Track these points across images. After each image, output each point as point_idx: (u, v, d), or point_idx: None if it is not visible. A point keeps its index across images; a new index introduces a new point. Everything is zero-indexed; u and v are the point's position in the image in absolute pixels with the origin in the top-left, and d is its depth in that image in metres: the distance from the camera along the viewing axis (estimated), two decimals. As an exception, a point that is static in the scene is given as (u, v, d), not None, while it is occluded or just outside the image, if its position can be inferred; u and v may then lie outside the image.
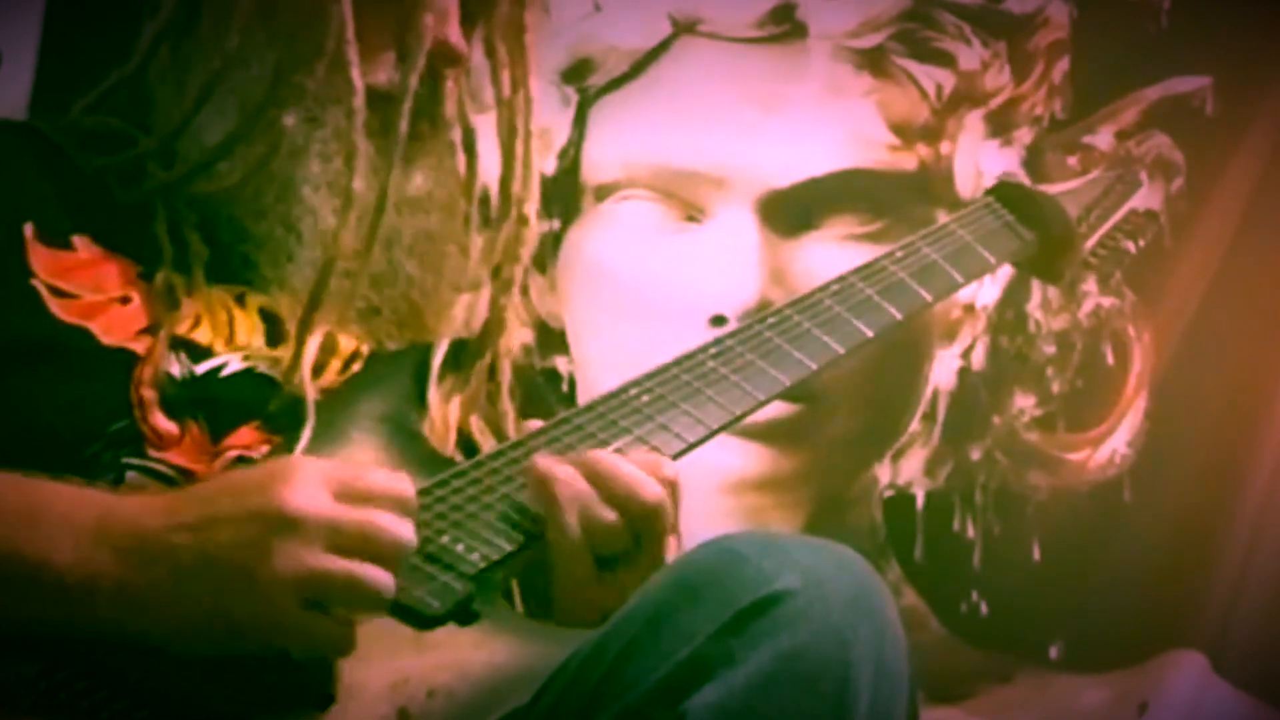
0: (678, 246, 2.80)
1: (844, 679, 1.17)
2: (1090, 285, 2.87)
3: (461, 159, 1.55)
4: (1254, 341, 2.90)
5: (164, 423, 1.39)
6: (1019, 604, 2.85)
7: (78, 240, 1.46)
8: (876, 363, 2.79)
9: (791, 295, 1.61)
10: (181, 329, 1.44)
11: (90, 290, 1.44)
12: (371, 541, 1.21)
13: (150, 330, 1.43)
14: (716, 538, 1.36)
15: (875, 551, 2.79)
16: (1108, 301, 2.88)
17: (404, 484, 1.26)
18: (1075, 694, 2.84)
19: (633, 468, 1.37)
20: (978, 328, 2.87)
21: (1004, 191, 1.82)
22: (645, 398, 1.46)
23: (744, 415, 1.49)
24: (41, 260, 1.44)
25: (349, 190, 1.46)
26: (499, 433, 1.55)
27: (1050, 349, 2.89)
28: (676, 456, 1.42)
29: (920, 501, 2.85)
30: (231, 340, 1.45)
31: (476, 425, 1.55)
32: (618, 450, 1.39)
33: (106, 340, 1.42)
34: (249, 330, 1.47)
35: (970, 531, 2.85)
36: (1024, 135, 2.91)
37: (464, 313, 1.55)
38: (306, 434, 1.40)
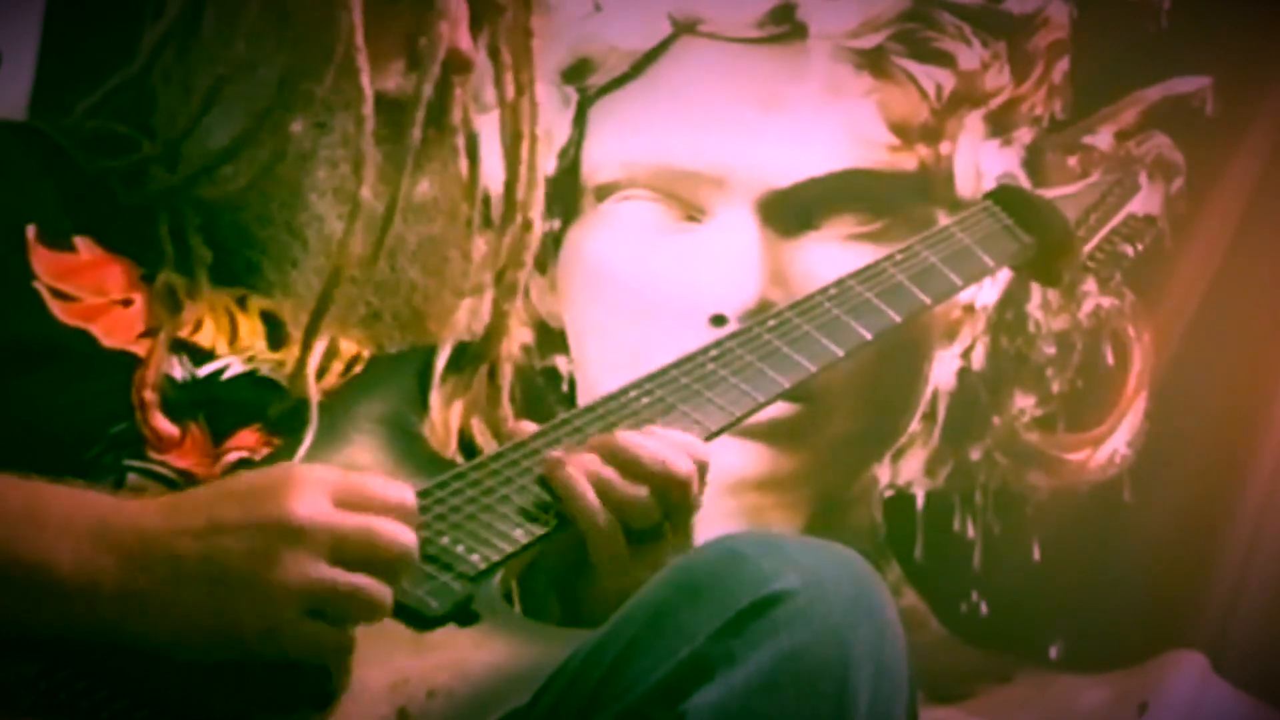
0: (678, 246, 2.80)
1: (844, 679, 1.17)
2: (1090, 286, 2.87)
3: (464, 163, 1.54)
4: (1254, 341, 2.90)
5: (165, 425, 1.39)
6: (1019, 604, 2.85)
7: (80, 242, 1.46)
8: (876, 363, 2.79)
9: (791, 295, 1.61)
10: (183, 332, 1.44)
11: (92, 293, 1.44)
12: (374, 550, 1.21)
13: (152, 333, 1.43)
14: (717, 538, 1.36)
15: (875, 551, 2.80)
16: (1108, 302, 2.88)
17: (406, 492, 1.26)
18: (1075, 694, 2.84)
19: (658, 443, 1.38)
20: (978, 328, 2.87)
21: (1003, 195, 1.82)
22: (645, 400, 1.46)
23: (744, 417, 1.49)
24: (43, 262, 1.44)
25: (357, 198, 1.46)
26: (499, 435, 1.55)
27: (1050, 349, 2.89)
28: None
29: (920, 501, 2.85)
30: (233, 343, 1.45)
31: (477, 427, 1.55)
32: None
33: (108, 343, 1.42)
34: (251, 333, 1.47)
35: (970, 531, 2.85)
36: (1024, 135, 2.91)
37: (466, 317, 1.55)
38: (309, 438, 1.40)
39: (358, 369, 1.49)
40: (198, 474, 1.38)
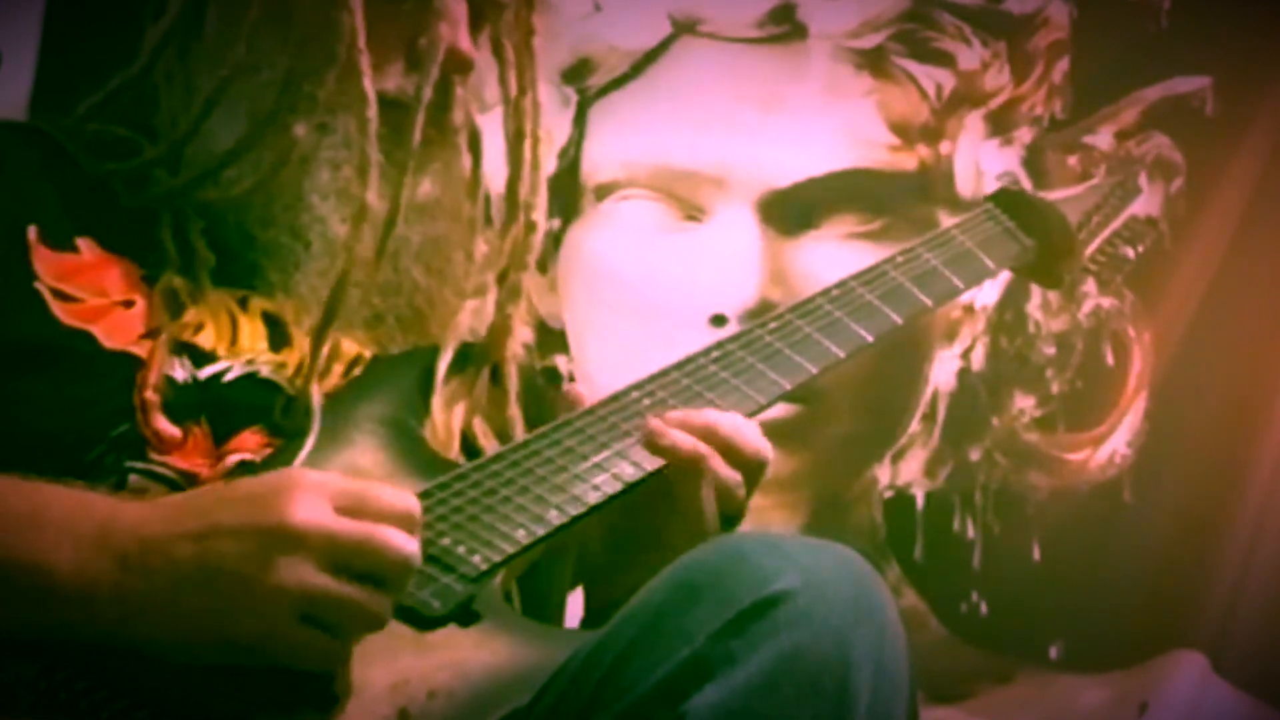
0: (678, 246, 2.81)
1: (844, 679, 1.17)
2: (1090, 286, 2.87)
3: (467, 162, 1.54)
4: (1254, 341, 2.90)
5: (166, 426, 1.39)
6: (1019, 604, 2.85)
7: (81, 243, 1.46)
8: (876, 364, 2.79)
9: (791, 294, 1.61)
10: (185, 333, 1.43)
11: (93, 294, 1.43)
12: (374, 559, 1.20)
13: (153, 334, 1.43)
14: (717, 538, 1.36)
15: (875, 551, 2.80)
16: (1107, 302, 2.88)
17: (410, 501, 1.24)
18: (1075, 694, 2.84)
19: (751, 429, 1.43)
20: (977, 328, 2.87)
21: (1004, 198, 1.82)
22: (647, 401, 1.46)
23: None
24: (45, 263, 1.43)
25: (362, 201, 1.46)
26: (504, 437, 1.55)
27: (1050, 350, 2.89)
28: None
29: (920, 502, 2.85)
30: (235, 344, 1.45)
31: (480, 428, 1.55)
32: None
33: (109, 344, 1.41)
34: (252, 334, 1.46)
35: (970, 531, 2.85)
36: (1024, 135, 2.91)
37: (469, 318, 1.55)
38: (311, 441, 1.39)
39: (358, 370, 1.48)
40: (199, 475, 1.38)
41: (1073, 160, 2.88)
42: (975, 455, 2.86)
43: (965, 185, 2.86)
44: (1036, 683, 2.85)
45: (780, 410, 2.70)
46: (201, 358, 1.43)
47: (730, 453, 1.41)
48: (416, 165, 1.49)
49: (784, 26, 2.85)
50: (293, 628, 1.19)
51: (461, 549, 1.30)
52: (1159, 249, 2.81)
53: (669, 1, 2.84)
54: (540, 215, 1.59)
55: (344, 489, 1.23)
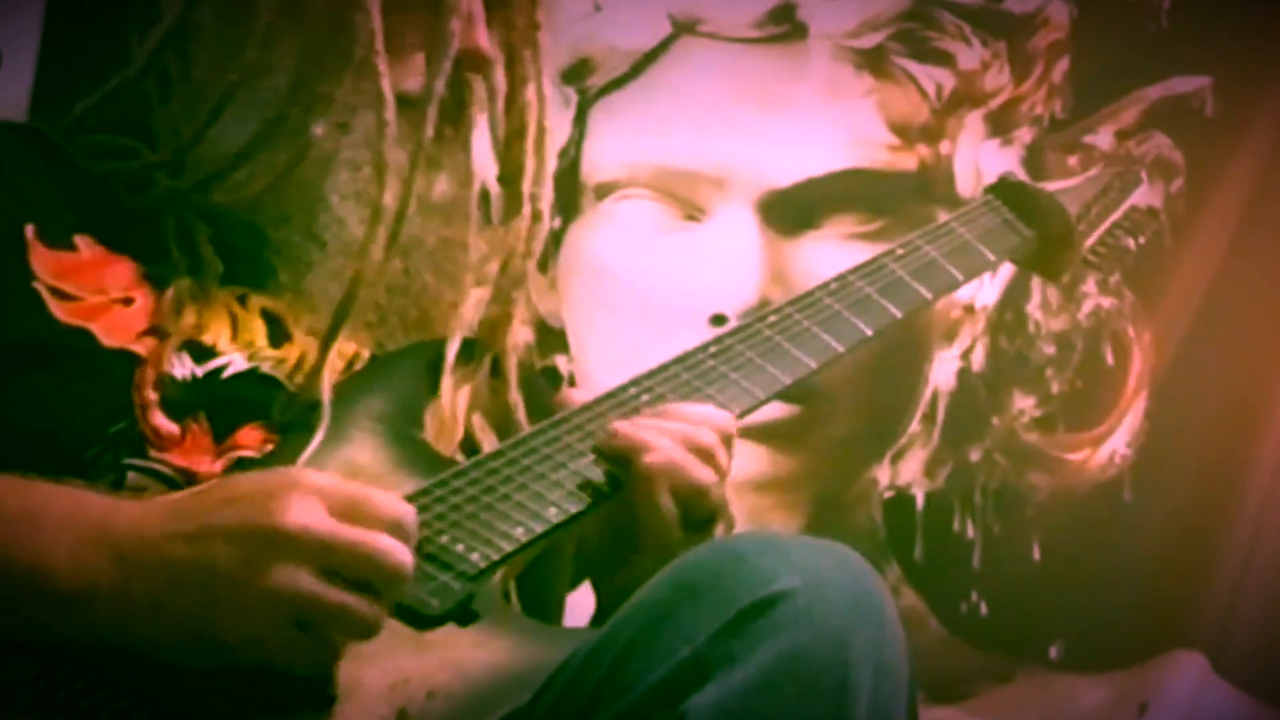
0: (678, 246, 2.81)
1: (844, 679, 1.16)
2: (1090, 286, 2.87)
3: (475, 159, 1.54)
4: (1254, 341, 2.90)
5: (165, 424, 1.39)
6: (1019, 604, 2.85)
7: (80, 241, 1.45)
8: (876, 363, 2.79)
9: (792, 295, 1.61)
10: (188, 333, 1.43)
11: (92, 291, 1.43)
12: (367, 565, 1.20)
13: (153, 332, 1.43)
14: (717, 538, 1.36)
15: (875, 552, 2.80)
16: (1107, 302, 2.88)
17: (405, 508, 1.23)
18: (1075, 694, 2.84)
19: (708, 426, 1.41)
20: (977, 328, 2.87)
21: (1004, 189, 1.82)
22: (646, 396, 1.46)
23: (744, 414, 1.49)
24: (43, 262, 1.43)
25: (378, 203, 1.46)
26: (503, 429, 1.55)
27: (1050, 349, 2.89)
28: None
29: (920, 502, 2.85)
30: (234, 340, 1.45)
31: (478, 424, 1.55)
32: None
33: (108, 342, 1.41)
34: (252, 331, 1.46)
35: (970, 532, 2.85)
36: (1024, 135, 2.91)
37: (471, 311, 1.54)
38: (318, 439, 1.39)
39: (357, 366, 1.48)
40: (198, 472, 1.37)
41: (1073, 160, 2.88)
42: (975, 455, 2.86)
43: (965, 185, 2.86)
44: (1036, 683, 2.85)
45: (780, 410, 2.72)
46: (201, 354, 1.43)
47: (701, 452, 1.40)
48: (431, 164, 1.49)
49: (784, 26, 2.85)
50: (284, 632, 1.19)
51: (460, 547, 1.30)
52: (1159, 249, 2.81)
53: (669, 1, 2.84)
54: (546, 207, 1.58)
55: (339, 492, 1.22)
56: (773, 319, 1.56)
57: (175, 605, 1.20)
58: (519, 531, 1.33)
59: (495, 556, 1.31)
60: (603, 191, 2.80)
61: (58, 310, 1.41)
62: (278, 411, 1.42)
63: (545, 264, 2.74)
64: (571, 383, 2.74)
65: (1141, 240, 1.92)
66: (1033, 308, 2.88)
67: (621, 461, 1.39)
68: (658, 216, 2.81)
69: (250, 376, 1.44)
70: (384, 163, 1.46)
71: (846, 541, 1.26)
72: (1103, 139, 2.91)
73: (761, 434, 2.74)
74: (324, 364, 1.43)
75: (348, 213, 1.47)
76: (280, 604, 1.18)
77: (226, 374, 1.43)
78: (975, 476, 2.86)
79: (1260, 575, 2.84)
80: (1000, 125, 2.90)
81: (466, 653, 1.25)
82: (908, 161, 2.86)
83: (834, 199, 2.82)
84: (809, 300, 1.59)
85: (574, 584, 1.56)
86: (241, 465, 1.38)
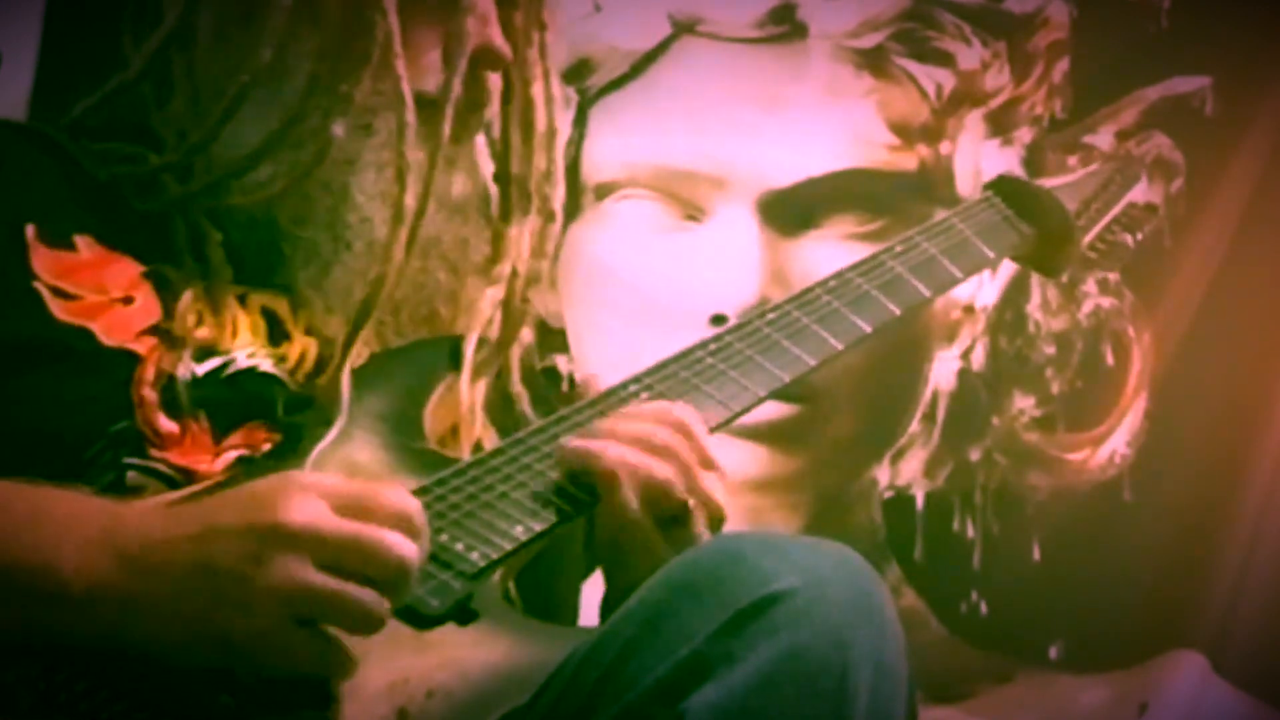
0: (678, 246, 2.80)
1: (843, 679, 1.17)
2: (1090, 286, 2.87)
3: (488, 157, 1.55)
4: (1254, 341, 2.90)
5: (165, 422, 1.39)
6: (1019, 604, 2.85)
7: (80, 240, 1.46)
8: (876, 363, 2.79)
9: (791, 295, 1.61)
10: (190, 334, 1.44)
11: (93, 291, 1.43)
12: (370, 559, 1.19)
13: (152, 331, 1.43)
14: (716, 537, 1.36)
15: (875, 552, 2.79)
16: (1107, 302, 2.88)
17: (411, 502, 1.23)
18: (1075, 694, 2.84)
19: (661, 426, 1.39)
20: (977, 328, 2.87)
21: (1003, 186, 1.82)
22: (644, 395, 1.46)
23: (743, 411, 1.49)
24: (43, 262, 1.43)
25: (400, 203, 1.46)
26: (505, 421, 1.55)
27: (1050, 349, 2.89)
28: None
29: (920, 502, 2.85)
30: (235, 339, 1.45)
31: (480, 421, 1.55)
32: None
33: (108, 341, 1.42)
34: (252, 329, 1.46)
35: (970, 531, 2.85)
36: (1024, 135, 2.91)
37: (485, 309, 1.55)
38: (331, 435, 1.39)
39: (356, 364, 1.48)
40: (198, 471, 1.38)
41: (1073, 160, 2.88)
42: (975, 455, 2.86)
43: (965, 185, 2.86)
44: (1036, 683, 2.85)
45: (780, 410, 2.72)
46: (201, 352, 1.43)
47: (657, 450, 1.39)
48: (449, 162, 1.49)
49: (784, 26, 2.85)
50: (286, 628, 1.18)
51: (459, 546, 1.30)
52: (1159, 248, 2.81)
53: (669, 1, 2.84)
54: (558, 205, 1.59)
55: (343, 490, 1.22)
56: (772, 316, 1.56)
57: (179, 605, 1.20)
58: (519, 530, 1.33)
59: (495, 555, 1.31)
60: (603, 191, 2.80)
61: (58, 309, 1.42)
62: (280, 409, 1.42)
63: (545, 264, 2.74)
64: (571, 383, 2.73)
65: (1139, 236, 1.92)
66: (1033, 308, 2.88)
67: (583, 473, 1.38)
68: (658, 216, 2.81)
69: (250, 375, 1.44)
70: (405, 163, 1.46)
71: (846, 541, 1.26)
72: (1103, 139, 2.91)
73: (761, 434, 2.74)
74: (345, 362, 1.44)
75: (374, 213, 1.48)
76: (277, 598, 1.18)
77: (227, 373, 1.43)
78: (975, 476, 2.86)
79: (1260, 575, 2.84)
80: (1000, 125, 2.90)
81: (466, 652, 1.25)
82: (908, 161, 2.86)
83: (834, 199, 2.82)
84: (808, 297, 1.59)
85: (589, 571, 1.55)
86: (241, 464, 1.39)
